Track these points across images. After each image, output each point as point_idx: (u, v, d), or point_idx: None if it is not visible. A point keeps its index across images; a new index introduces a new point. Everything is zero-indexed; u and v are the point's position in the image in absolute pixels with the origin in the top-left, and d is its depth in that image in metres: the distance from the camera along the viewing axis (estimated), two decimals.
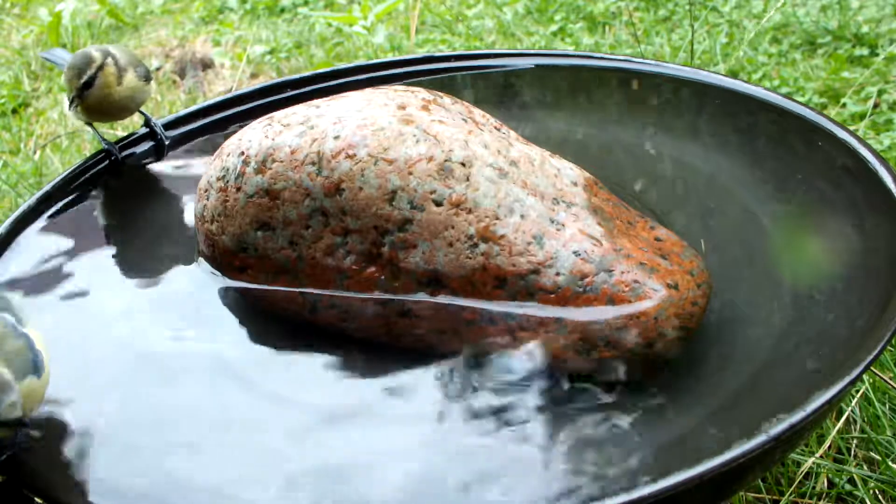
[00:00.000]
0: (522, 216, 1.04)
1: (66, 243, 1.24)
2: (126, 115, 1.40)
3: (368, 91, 1.17)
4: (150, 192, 1.34)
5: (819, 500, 1.22)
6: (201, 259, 1.16)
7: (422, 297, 1.05)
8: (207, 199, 1.13)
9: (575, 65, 1.48)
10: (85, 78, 1.31)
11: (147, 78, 1.37)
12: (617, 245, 1.04)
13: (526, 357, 1.00)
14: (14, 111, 2.61)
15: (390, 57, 2.19)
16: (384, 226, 1.05)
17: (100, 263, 1.21)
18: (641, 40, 2.33)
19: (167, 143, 1.41)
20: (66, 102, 1.34)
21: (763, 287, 1.07)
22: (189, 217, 1.19)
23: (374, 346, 1.05)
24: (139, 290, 1.15)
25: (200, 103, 1.44)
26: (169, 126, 1.42)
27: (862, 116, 2.00)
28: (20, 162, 2.29)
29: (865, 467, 1.24)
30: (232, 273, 1.13)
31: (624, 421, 0.93)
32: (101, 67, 1.32)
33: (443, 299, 1.05)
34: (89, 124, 1.42)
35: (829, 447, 1.25)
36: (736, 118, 1.32)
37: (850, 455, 1.25)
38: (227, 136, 1.19)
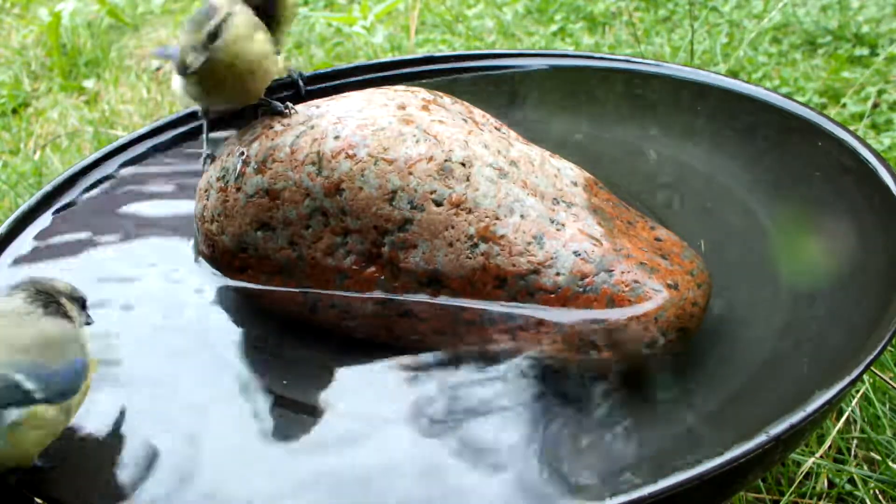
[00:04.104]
0: (522, 216, 1.04)
1: (66, 243, 1.24)
2: (252, 93, 1.12)
3: (368, 91, 1.17)
4: (150, 191, 1.34)
5: (819, 500, 1.22)
6: (201, 259, 1.16)
7: (422, 297, 1.05)
8: (207, 199, 1.14)
9: (575, 65, 1.48)
10: (210, 27, 1.07)
11: (276, 50, 1.14)
12: (617, 245, 1.04)
13: (525, 357, 1.00)
14: (14, 111, 2.61)
15: (390, 57, 2.19)
16: (384, 226, 1.05)
17: (99, 264, 1.21)
18: (641, 40, 2.33)
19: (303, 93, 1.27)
20: (176, 79, 1.10)
21: (763, 287, 1.07)
22: (189, 217, 1.19)
23: (374, 347, 1.05)
24: (139, 290, 1.15)
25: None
26: (169, 126, 1.41)
27: (862, 116, 2.00)
28: (20, 162, 2.29)
29: (865, 467, 1.24)
30: (232, 273, 1.13)
31: (624, 421, 0.93)
32: (228, 17, 1.08)
33: (443, 299, 1.05)
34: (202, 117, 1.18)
35: (829, 447, 1.25)
36: (736, 118, 1.32)
37: (850, 455, 1.25)
38: (227, 136, 1.19)
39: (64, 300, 0.93)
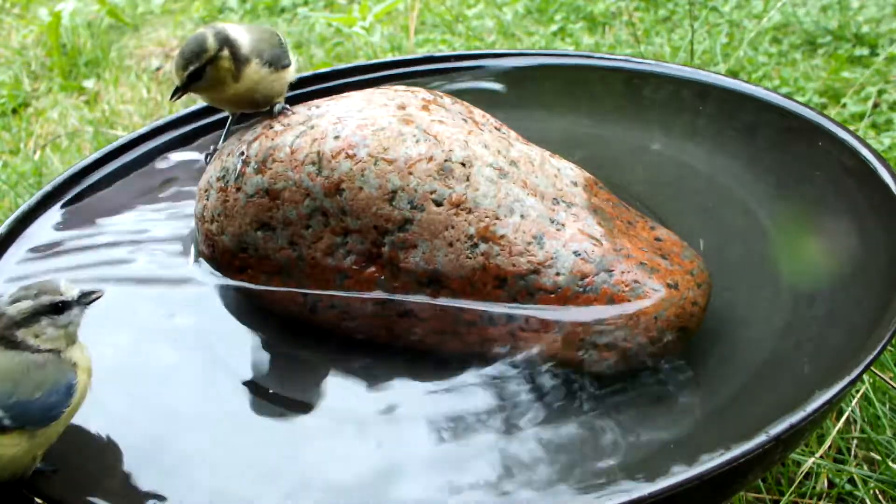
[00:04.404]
0: (522, 216, 1.04)
1: (67, 243, 1.24)
2: (257, 106, 1.15)
3: (368, 91, 1.17)
4: (151, 191, 1.34)
5: (819, 500, 1.22)
6: (201, 259, 1.16)
7: (422, 297, 1.05)
8: (207, 199, 1.14)
9: (575, 64, 1.48)
10: (191, 69, 1.08)
11: (277, 65, 1.14)
12: (617, 245, 1.04)
13: (526, 357, 1.00)
14: (14, 111, 2.61)
15: (390, 57, 2.19)
16: (384, 226, 1.05)
17: (100, 263, 1.21)
18: (641, 40, 2.33)
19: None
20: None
21: (763, 287, 1.07)
22: (189, 217, 1.19)
23: (374, 347, 1.05)
24: (139, 290, 1.15)
25: (201, 103, 1.43)
26: (170, 126, 1.41)
27: (862, 116, 2.00)
28: (20, 162, 2.29)
29: (865, 467, 1.24)
30: (232, 273, 1.13)
31: (624, 421, 0.93)
32: (212, 59, 1.09)
33: (443, 300, 1.05)
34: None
35: (829, 447, 1.25)
36: (736, 118, 1.32)
37: (850, 455, 1.25)
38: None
39: (20, 332, 0.88)
